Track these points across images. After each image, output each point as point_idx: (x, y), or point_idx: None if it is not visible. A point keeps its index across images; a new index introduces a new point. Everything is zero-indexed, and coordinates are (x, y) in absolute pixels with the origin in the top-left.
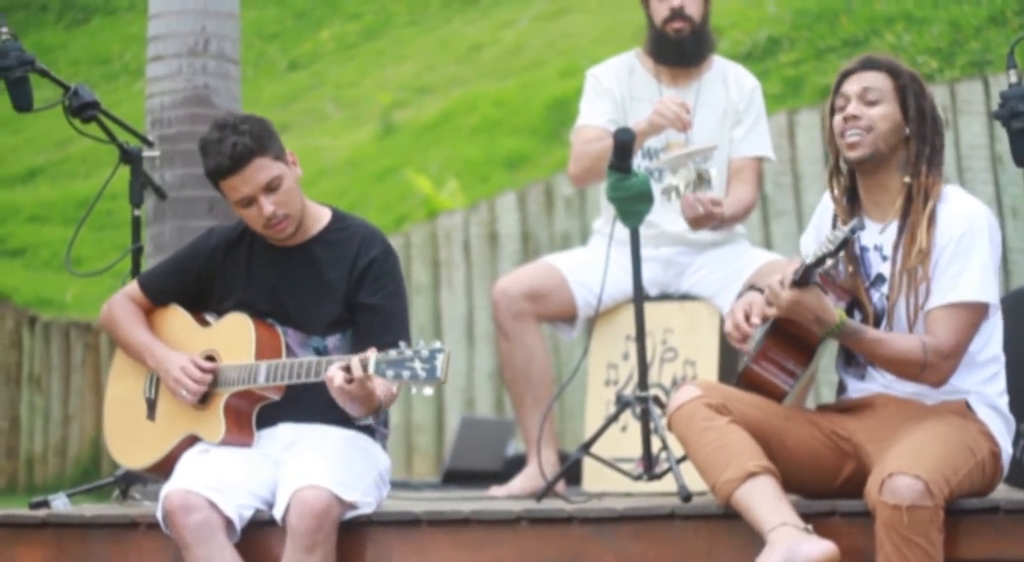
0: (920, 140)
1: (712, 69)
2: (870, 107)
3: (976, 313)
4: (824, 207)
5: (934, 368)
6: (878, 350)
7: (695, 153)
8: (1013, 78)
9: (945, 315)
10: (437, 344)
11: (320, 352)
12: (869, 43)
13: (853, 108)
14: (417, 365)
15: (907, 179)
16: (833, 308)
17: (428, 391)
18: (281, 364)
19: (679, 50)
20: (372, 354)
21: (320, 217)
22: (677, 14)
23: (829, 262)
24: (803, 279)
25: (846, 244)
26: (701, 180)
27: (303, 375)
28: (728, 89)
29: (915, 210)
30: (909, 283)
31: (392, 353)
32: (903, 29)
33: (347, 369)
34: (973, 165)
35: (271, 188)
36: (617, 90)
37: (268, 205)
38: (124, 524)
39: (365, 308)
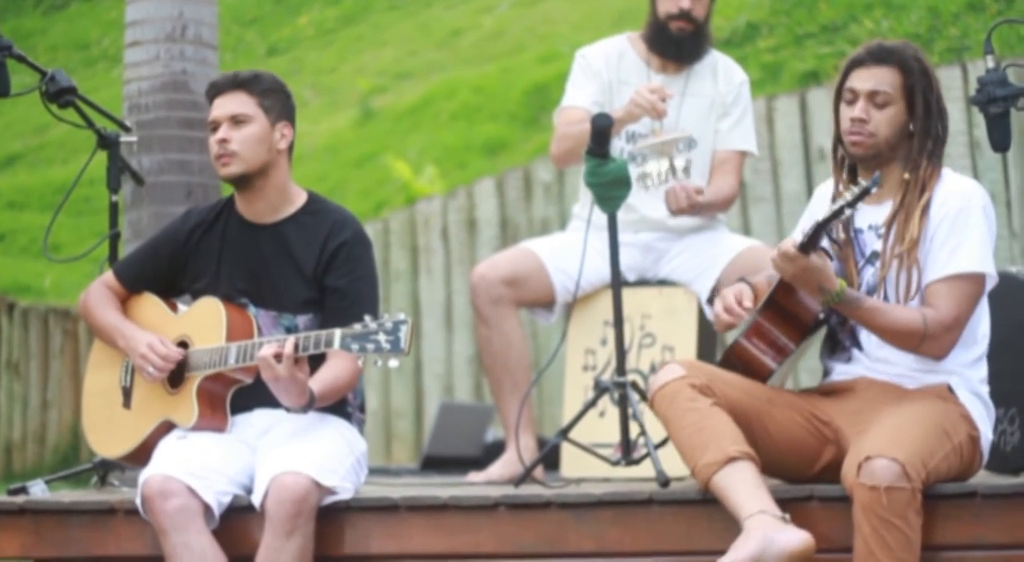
0: (924, 135)
1: (702, 60)
2: (878, 110)
3: (976, 285)
4: (817, 200)
5: (935, 340)
6: (877, 319)
7: (669, 141)
8: (991, 64)
9: (945, 287)
10: (400, 316)
11: (290, 331)
12: (847, 29)
13: (860, 110)
14: (381, 338)
15: (906, 175)
16: (835, 276)
17: (394, 363)
18: (250, 344)
19: (677, 47)
20: (337, 331)
21: (296, 199)
22: (684, 15)
23: (847, 213)
24: (812, 239)
25: (865, 195)
26: (674, 170)
27: None
28: (717, 81)
29: (910, 201)
30: (900, 264)
31: (357, 327)
32: (881, 15)
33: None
34: (951, 151)
35: (236, 122)
36: (605, 73)
37: (223, 132)
38: (102, 510)
39: (333, 291)
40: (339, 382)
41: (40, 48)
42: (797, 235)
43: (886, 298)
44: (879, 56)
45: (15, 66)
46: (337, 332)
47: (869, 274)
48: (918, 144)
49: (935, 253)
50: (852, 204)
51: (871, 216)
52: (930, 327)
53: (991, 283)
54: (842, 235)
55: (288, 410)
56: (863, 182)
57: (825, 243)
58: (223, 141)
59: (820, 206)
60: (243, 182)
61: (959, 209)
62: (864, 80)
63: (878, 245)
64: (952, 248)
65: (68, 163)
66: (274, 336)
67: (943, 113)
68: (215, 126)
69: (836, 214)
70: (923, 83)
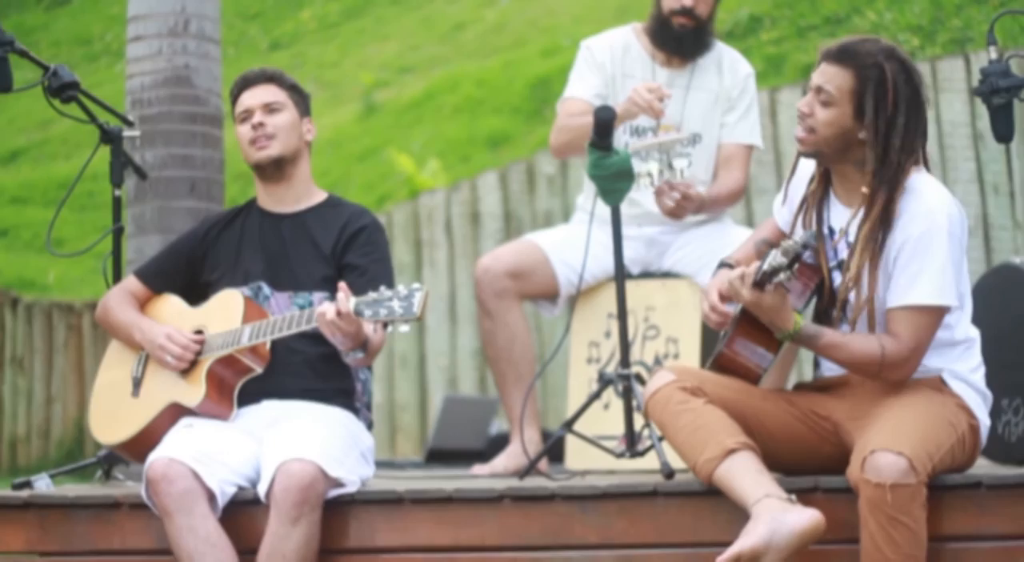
0: (874, 150)
1: (707, 54)
2: (822, 107)
3: (935, 316)
4: (800, 172)
5: (893, 368)
6: (834, 354)
7: (668, 142)
8: (993, 55)
9: (904, 316)
10: (416, 285)
11: (304, 309)
12: (851, 21)
13: (804, 103)
14: (395, 304)
15: (864, 190)
16: (791, 314)
17: (404, 328)
18: (264, 322)
19: (678, 43)
20: (352, 297)
21: (317, 195)
22: (686, 11)
23: (782, 276)
24: (762, 281)
25: (799, 258)
26: (673, 170)
27: (285, 327)
28: (722, 75)
29: (874, 215)
30: (866, 279)
31: (371, 295)
32: (884, 7)
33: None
34: (955, 143)
35: (270, 109)
36: (609, 66)
37: (259, 116)
38: (107, 504)
39: (352, 268)
40: (376, 336)
41: (43, 43)
42: (778, 204)
43: (851, 311)
44: (838, 55)
45: (18, 61)
46: (352, 298)
47: (838, 281)
48: (870, 156)
49: (896, 277)
50: (789, 267)
51: (843, 217)
52: (887, 357)
53: (955, 310)
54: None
55: (345, 356)
56: (796, 239)
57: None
58: (260, 125)
59: (800, 179)
60: (276, 167)
61: (921, 233)
62: (818, 74)
63: (846, 254)
64: (913, 275)
65: (71, 158)
66: (288, 314)
67: (910, 127)
68: (246, 116)
69: (774, 272)
70: (877, 93)
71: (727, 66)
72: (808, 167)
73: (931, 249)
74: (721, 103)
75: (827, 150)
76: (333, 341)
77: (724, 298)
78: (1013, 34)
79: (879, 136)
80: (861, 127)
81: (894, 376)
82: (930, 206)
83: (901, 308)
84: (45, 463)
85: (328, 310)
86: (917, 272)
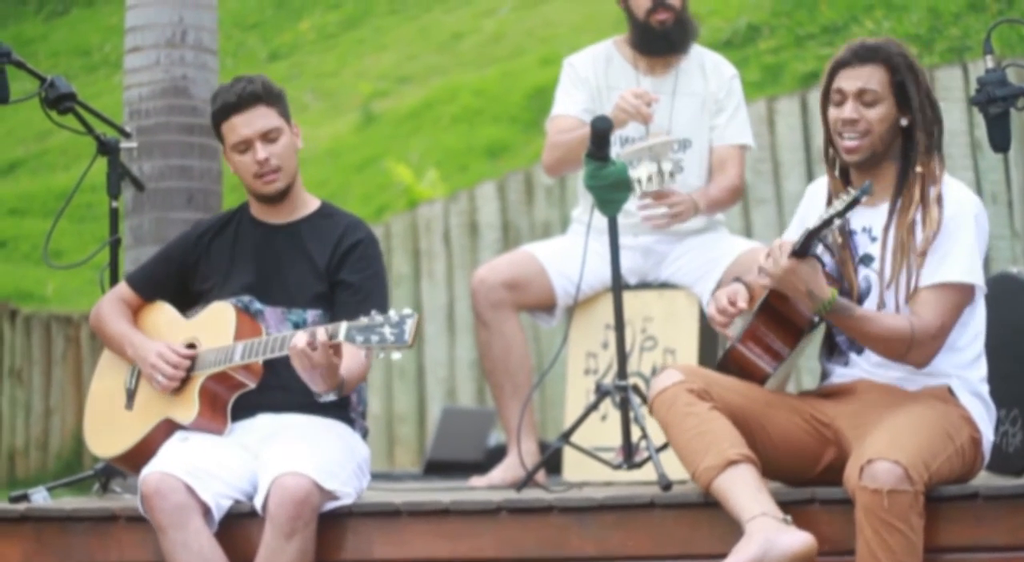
0: (921, 129)
1: (689, 58)
2: (868, 108)
3: (962, 295)
4: (809, 198)
5: (920, 348)
6: (866, 328)
7: (655, 146)
8: (990, 64)
9: (932, 296)
10: (407, 311)
11: (298, 326)
12: (848, 30)
13: (850, 111)
14: (387, 330)
15: (919, 169)
16: (827, 284)
17: (396, 356)
18: (257, 341)
19: (666, 41)
20: (343, 322)
21: (310, 203)
22: (660, 4)
23: (837, 222)
24: (804, 247)
25: (855, 205)
26: (663, 174)
27: (278, 348)
28: (707, 78)
29: (923, 195)
30: (903, 262)
31: (363, 320)
32: (882, 16)
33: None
34: (953, 152)
35: (269, 138)
36: (593, 79)
37: (262, 151)
38: (104, 517)
39: (345, 286)
40: (353, 372)
41: (42, 54)
42: (790, 234)
43: (883, 303)
44: (863, 55)
45: (15, 72)
46: (343, 324)
47: (862, 276)
48: (922, 137)
49: (925, 260)
50: (842, 214)
51: (864, 218)
52: (917, 335)
53: (980, 294)
54: (839, 239)
55: (319, 397)
56: (852, 190)
57: (820, 249)
58: (265, 160)
59: (812, 205)
60: (281, 196)
61: (951, 215)
62: (851, 80)
63: (871, 248)
64: (942, 256)
65: (70, 169)
66: (282, 334)
67: (935, 107)
68: (245, 147)
69: (826, 224)
70: (911, 77)
71: (711, 69)
72: (819, 191)
73: (959, 232)
74: (709, 106)
75: (880, 147)
76: (305, 379)
77: (732, 303)
78: (1011, 43)
79: (925, 114)
80: (904, 113)
81: (919, 357)
82: (958, 196)
83: (929, 287)
84: (43, 475)
85: (299, 340)
86: (946, 253)
